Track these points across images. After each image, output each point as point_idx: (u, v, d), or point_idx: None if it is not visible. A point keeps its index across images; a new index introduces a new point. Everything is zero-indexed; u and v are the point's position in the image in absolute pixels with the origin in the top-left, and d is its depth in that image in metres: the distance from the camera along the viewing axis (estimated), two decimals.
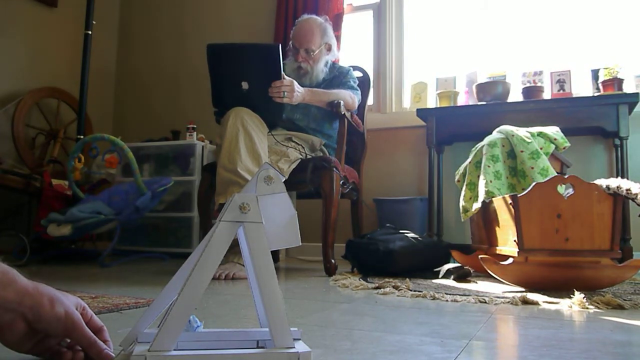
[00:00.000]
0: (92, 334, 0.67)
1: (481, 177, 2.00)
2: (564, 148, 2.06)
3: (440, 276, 1.95)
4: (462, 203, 2.11)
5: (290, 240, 0.78)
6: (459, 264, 2.00)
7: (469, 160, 2.15)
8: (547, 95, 2.76)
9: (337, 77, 2.49)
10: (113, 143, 2.67)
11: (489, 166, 2.00)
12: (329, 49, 2.50)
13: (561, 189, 1.67)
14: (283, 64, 2.07)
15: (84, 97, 3.08)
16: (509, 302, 1.38)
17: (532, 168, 1.93)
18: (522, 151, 1.97)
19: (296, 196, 2.74)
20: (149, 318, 0.74)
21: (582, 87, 2.80)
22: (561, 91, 2.76)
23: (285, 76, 2.08)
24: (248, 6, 3.78)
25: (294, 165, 2.16)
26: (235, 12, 3.83)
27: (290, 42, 2.50)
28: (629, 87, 2.64)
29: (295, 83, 2.12)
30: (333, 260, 2.14)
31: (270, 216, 0.74)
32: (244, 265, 0.84)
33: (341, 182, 2.25)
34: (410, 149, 3.19)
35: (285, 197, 0.76)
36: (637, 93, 2.44)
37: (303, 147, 2.26)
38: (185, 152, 3.20)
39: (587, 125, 2.53)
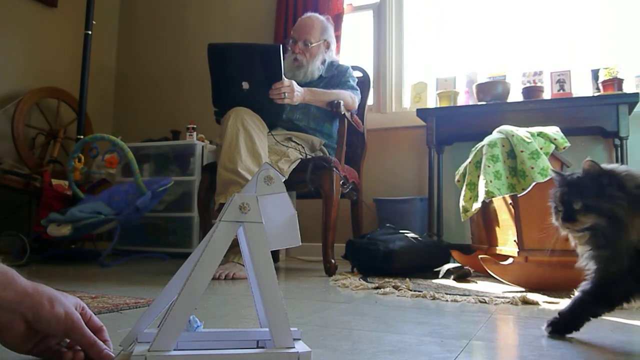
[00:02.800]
0: (92, 334, 0.68)
1: (481, 177, 2.00)
2: (564, 148, 2.06)
3: (440, 276, 1.95)
4: (462, 203, 2.11)
5: (290, 241, 0.78)
6: (459, 264, 2.00)
7: (469, 160, 2.15)
8: (547, 95, 2.76)
9: (336, 76, 2.49)
10: (113, 143, 2.67)
11: (489, 166, 1.99)
12: (328, 46, 2.50)
13: None
14: (284, 64, 2.07)
15: (84, 97, 3.08)
16: (509, 302, 1.38)
17: (532, 168, 1.93)
18: (522, 151, 1.97)
19: (296, 196, 2.74)
20: (149, 318, 0.74)
21: (582, 87, 2.80)
22: (561, 91, 2.76)
23: (285, 78, 2.08)
24: (248, 6, 3.78)
25: (294, 165, 2.16)
26: (235, 12, 3.83)
27: (291, 35, 2.50)
28: (629, 87, 2.63)
29: (295, 84, 2.12)
30: (333, 260, 2.14)
31: (270, 216, 0.74)
32: (244, 265, 0.84)
33: (341, 182, 2.25)
34: (410, 149, 3.19)
35: (285, 197, 0.76)
36: (637, 93, 2.43)
37: (303, 147, 2.26)
38: (185, 152, 3.20)
39: (587, 125, 2.52)
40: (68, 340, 0.70)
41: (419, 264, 2.07)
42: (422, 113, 2.85)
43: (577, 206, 0.89)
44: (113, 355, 0.68)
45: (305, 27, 2.45)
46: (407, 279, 1.81)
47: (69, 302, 0.67)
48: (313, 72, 2.43)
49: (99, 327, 0.71)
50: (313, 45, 2.42)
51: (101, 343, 0.68)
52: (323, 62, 2.48)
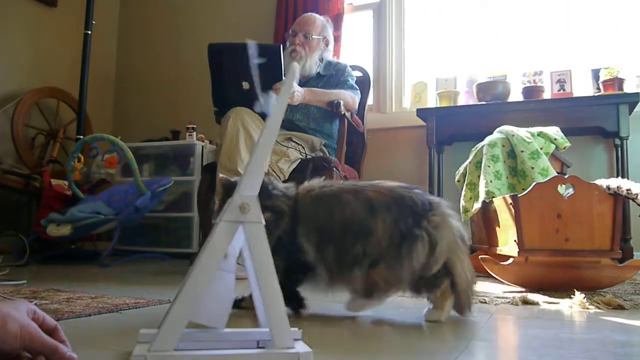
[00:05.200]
0: (52, 341, 0.66)
1: (481, 177, 2.00)
2: (564, 148, 2.06)
3: None
4: (462, 203, 2.11)
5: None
6: None
7: (469, 160, 2.15)
8: (547, 95, 2.76)
9: (334, 75, 2.48)
10: (113, 143, 2.67)
11: (489, 166, 1.99)
12: (327, 44, 2.51)
13: (561, 189, 1.67)
14: (284, 64, 2.07)
15: (84, 97, 3.08)
16: (509, 302, 1.38)
17: (533, 168, 1.93)
18: (522, 151, 1.97)
19: None
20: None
21: (582, 87, 2.80)
22: (561, 91, 2.75)
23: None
24: (248, 6, 3.78)
25: (294, 166, 2.16)
26: (235, 12, 3.83)
27: (291, 29, 2.51)
28: (629, 87, 2.63)
29: (295, 84, 2.12)
30: None
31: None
32: (244, 266, 0.84)
33: None
34: (410, 149, 3.19)
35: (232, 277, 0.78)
36: (638, 93, 2.43)
37: (303, 147, 2.26)
38: (185, 152, 3.20)
39: (587, 125, 2.52)
40: None
41: None
42: (422, 113, 2.84)
43: None
44: (75, 356, 0.67)
45: (308, 21, 2.48)
46: None
47: (20, 313, 0.65)
48: (311, 67, 2.43)
49: (54, 327, 0.69)
50: (313, 38, 2.43)
51: (63, 347, 0.66)
52: (321, 60, 2.48)
